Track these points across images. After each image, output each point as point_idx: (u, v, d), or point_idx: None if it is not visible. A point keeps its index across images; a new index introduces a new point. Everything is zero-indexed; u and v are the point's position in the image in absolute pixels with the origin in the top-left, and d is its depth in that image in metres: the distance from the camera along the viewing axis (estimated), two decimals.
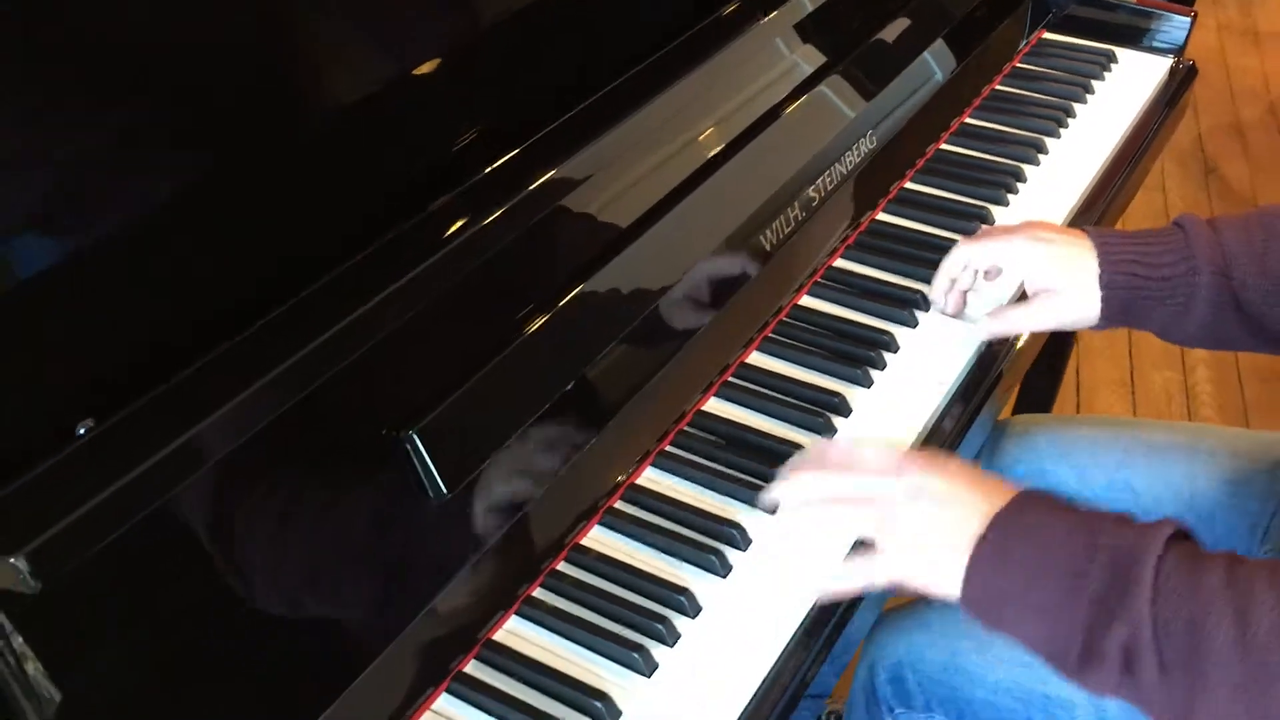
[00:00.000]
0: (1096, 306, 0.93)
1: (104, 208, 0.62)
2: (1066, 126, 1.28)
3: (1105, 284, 0.93)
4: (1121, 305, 0.93)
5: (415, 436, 0.71)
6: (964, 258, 1.00)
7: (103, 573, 0.56)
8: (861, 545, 0.80)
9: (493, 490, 0.77)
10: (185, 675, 0.62)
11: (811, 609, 0.80)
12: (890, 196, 1.17)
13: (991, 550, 0.72)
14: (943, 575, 0.73)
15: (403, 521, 0.72)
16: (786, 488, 0.81)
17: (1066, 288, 0.94)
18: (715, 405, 0.96)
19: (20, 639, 0.53)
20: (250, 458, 0.64)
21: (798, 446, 0.91)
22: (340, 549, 0.70)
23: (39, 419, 0.58)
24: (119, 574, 0.58)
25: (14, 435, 0.57)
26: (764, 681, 0.76)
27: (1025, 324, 1.00)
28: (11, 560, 0.50)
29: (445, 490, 0.72)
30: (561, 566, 0.83)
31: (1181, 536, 0.69)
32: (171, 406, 0.62)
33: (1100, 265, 0.93)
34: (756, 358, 1.00)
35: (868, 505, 0.77)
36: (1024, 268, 0.97)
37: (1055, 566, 0.69)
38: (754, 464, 0.90)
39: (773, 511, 0.86)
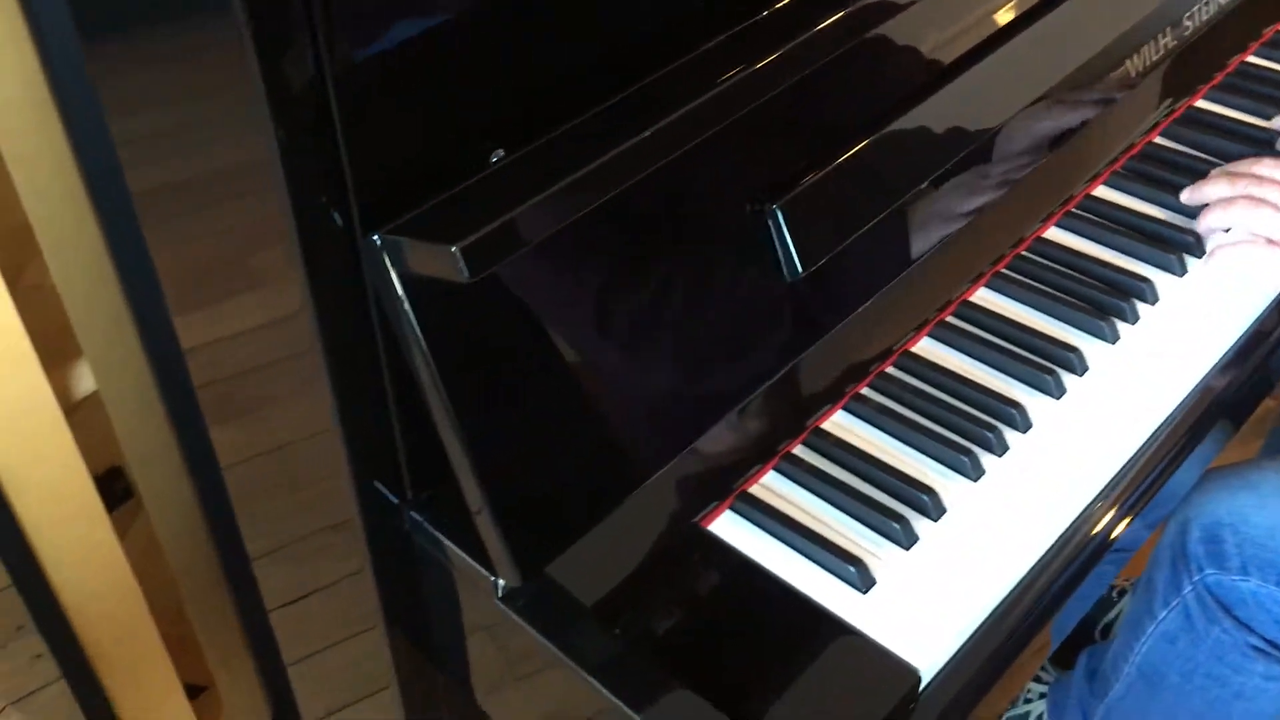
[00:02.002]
0: None
1: None
2: None
3: None
4: None
5: (778, 211, 0.72)
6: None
7: (505, 285, 0.61)
8: None
9: (839, 279, 0.78)
10: (555, 398, 0.68)
11: (1150, 436, 0.78)
12: (1264, 39, 1.09)
13: None
14: None
15: (752, 298, 0.75)
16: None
17: None
18: (1055, 234, 0.93)
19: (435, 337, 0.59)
20: (623, 209, 0.68)
21: (1141, 279, 0.88)
22: (691, 314, 0.73)
23: (461, 146, 0.63)
24: (515, 287, 0.63)
25: (441, 158, 0.63)
26: (1094, 500, 0.76)
27: None
28: (452, 249, 0.55)
29: (800, 268, 0.73)
30: (891, 370, 0.84)
31: None
32: (565, 148, 0.65)
33: None
34: (1103, 191, 0.96)
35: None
36: None
37: None
38: (1093, 293, 0.87)
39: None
